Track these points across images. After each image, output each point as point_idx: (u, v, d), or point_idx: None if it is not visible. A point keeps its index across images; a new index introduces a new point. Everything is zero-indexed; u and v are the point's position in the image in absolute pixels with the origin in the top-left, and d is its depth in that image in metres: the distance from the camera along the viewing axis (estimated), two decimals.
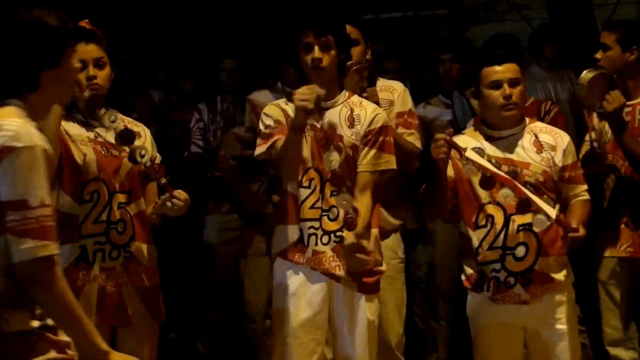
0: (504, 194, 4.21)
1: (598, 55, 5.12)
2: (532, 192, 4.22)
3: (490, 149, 4.32)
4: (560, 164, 4.34)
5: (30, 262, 2.82)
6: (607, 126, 5.03)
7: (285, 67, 5.68)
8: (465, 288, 4.46)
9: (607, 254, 5.15)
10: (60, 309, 2.89)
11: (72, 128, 4.20)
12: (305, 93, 4.16)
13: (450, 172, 4.34)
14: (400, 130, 4.92)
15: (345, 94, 4.39)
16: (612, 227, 5.10)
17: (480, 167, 4.24)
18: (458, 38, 8.04)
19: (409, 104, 5.06)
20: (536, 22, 8.14)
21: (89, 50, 4.17)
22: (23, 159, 2.82)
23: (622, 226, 5.10)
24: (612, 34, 5.15)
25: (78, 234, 4.16)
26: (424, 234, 6.19)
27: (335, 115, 4.32)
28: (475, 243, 4.33)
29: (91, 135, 4.22)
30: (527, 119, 4.46)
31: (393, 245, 5.13)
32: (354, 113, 4.33)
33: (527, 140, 4.36)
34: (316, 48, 4.24)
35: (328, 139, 4.30)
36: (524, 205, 4.21)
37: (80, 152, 4.16)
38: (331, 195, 4.28)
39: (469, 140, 4.35)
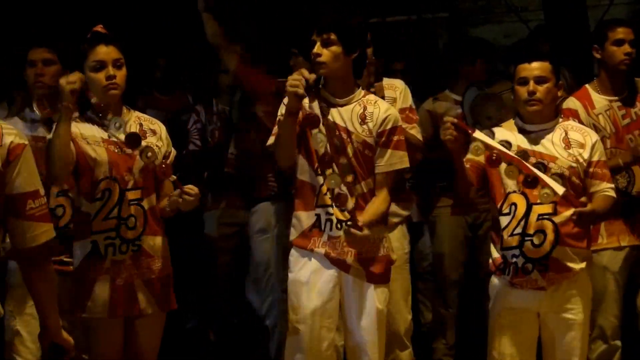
0: (545, 193, 4.36)
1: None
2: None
3: (521, 140, 4.51)
4: (586, 161, 4.50)
5: (46, 243, 3.24)
6: (602, 122, 5.22)
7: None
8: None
9: (624, 243, 5.21)
10: (53, 283, 3.30)
11: (85, 129, 4.36)
12: (295, 79, 4.37)
13: (481, 159, 4.52)
14: (403, 125, 5.14)
15: (360, 92, 4.56)
16: (629, 214, 5.17)
17: (487, 146, 4.42)
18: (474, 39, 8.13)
19: (409, 100, 5.35)
20: (533, 23, 8.27)
21: (108, 51, 4.33)
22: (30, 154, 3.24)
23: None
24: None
25: (90, 231, 4.33)
26: (428, 225, 6.34)
27: (347, 112, 4.50)
28: (501, 228, 4.50)
29: (104, 135, 4.36)
30: (562, 118, 4.65)
31: (399, 237, 5.37)
32: (366, 111, 4.51)
33: (557, 136, 4.52)
34: (317, 44, 4.46)
35: (339, 133, 4.48)
36: (531, 182, 4.37)
37: (93, 152, 4.32)
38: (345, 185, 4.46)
39: (504, 132, 4.56)
